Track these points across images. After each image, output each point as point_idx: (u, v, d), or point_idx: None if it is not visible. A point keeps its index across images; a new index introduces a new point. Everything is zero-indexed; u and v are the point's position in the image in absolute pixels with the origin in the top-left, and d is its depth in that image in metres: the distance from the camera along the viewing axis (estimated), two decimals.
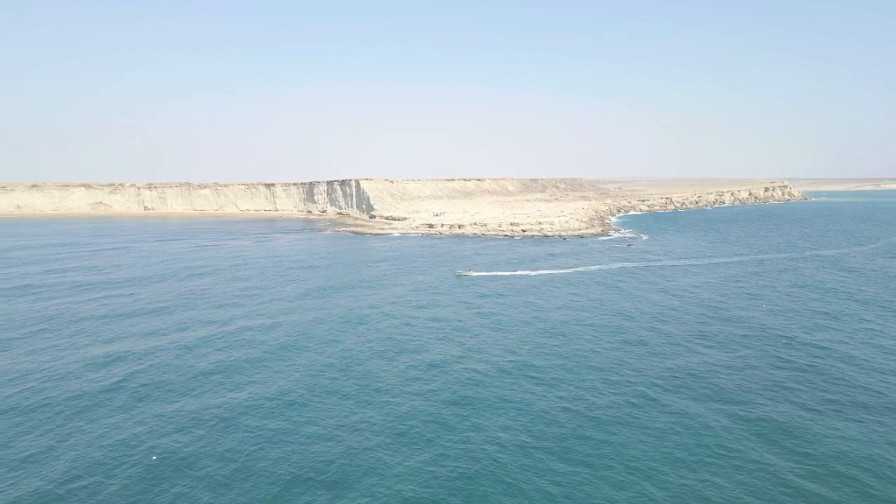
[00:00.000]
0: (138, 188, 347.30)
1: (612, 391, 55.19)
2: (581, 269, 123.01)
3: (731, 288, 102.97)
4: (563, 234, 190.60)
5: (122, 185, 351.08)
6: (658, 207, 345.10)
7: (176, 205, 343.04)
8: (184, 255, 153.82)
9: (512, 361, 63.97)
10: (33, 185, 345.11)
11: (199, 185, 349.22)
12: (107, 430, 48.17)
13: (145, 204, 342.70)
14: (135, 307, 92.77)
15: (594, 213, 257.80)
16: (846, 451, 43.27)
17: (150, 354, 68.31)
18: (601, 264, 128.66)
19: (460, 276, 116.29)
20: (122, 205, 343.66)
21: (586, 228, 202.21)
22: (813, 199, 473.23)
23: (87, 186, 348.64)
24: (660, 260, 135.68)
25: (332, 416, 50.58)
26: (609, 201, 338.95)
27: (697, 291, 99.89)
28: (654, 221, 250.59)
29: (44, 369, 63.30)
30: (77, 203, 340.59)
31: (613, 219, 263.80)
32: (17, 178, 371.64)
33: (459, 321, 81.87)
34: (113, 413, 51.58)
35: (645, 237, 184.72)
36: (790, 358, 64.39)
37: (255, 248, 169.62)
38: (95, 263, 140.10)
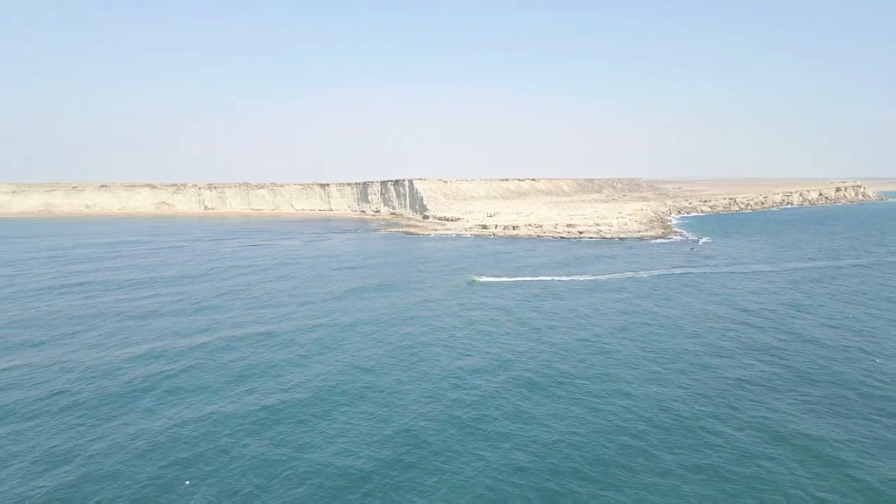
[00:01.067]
0: (199, 188, 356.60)
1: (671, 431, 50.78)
2: (641, 273, 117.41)
3: (808, 298, 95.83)
4: (622, 235, 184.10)
5: (184, 185, 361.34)
6: (721, 208, 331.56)
7: (234, 204, 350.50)
8: (234, 255, 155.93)
9: (553, 374, 60.26)
10: (102, 186, 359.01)
11: (257, 185, 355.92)
12: (133, 431, 47.22)
13: (205, 203, 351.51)
14: (176, 306, 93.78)
15: (653, 215, 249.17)
16: None
17: (184, 354, 68.35)
18: (663, 269, 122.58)
19: (471, 282, 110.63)
20: (183, 204, 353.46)
21: (646, 230, 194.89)
22: (891, 199, 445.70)
23: (152, 187, 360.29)
24: (726, 265, 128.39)
25: (355, 427, 48.19)
26: (669, 202, 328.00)
27: (773, 304, 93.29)
28: (718, 223, 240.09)
29: (77, 367, 63.88)
30: (142, 203, 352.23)
31: (674, 220, 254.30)
32: (88, 178, 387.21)
33: (514, 326, 78.47)
34: (142, 414, 50.97)
35: (709, 240, 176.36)
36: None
37: (307, 248, 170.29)
38: (149, 262, 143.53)
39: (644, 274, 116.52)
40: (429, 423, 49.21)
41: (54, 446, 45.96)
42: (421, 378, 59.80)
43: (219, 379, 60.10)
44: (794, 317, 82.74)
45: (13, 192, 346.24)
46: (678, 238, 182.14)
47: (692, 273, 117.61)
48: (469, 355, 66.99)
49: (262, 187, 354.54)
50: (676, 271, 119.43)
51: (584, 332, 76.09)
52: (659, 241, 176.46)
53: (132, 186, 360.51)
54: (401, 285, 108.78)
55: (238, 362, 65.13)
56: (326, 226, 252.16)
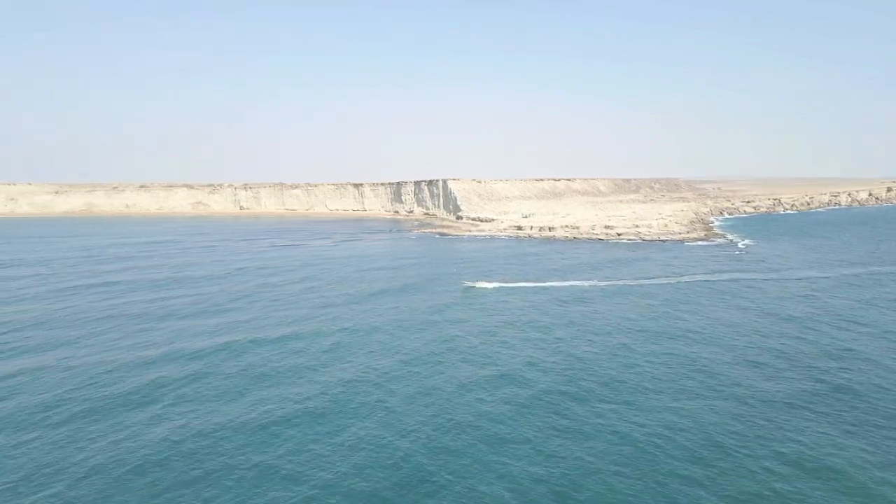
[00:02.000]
0: (235, 188, 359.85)
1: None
2: (683, 278, 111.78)
3: (864, 307, 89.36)
4: (662, 238, 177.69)
5: (220, 185, 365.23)
6: (765, 209, 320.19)
7: (269, 204, 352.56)
8: (263, 255, 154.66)
9: (575, 389, 56.02)
10: (141, 186, 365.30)
11: (291, 186, 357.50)
12: (134, 445, 44.65)
13: (241, 203, 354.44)
14: (196, 308, 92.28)
15: (694, 216, 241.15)
16: None
17: (195, 359, 65.87)
18: (706, 274, 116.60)
19: (468, 287, 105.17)
20: (219, 204, 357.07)
21: (687, 232, 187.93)
22: None
23: (189, 187, 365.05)
24: (775, 270, 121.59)
25: (368, 446, 44.83)
26: (709, 202, 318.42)
27: (826, 315, 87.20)
28: (763, 225, 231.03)
29: (85, 371, 62.34)
30: (179, 202, 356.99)
31: (716, 221, 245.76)
32: (127, 178, 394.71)
33: (542, 335, 74.38)
34: (144, 426, 48.10)
35: (755, 243, 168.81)
36: None
37: (337, 249, 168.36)
38: (178, 261, 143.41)
39: (686, 279, 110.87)
40: (445, 442, 45.65)
41: (48, 457, 43.82)
42: (438, 390, 56.22)
43: (228, 387, 57.44)
44: (849, 329, 76.74)
45: (56, 193, 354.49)
46: (721, 240, 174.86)
47: (739, 279, 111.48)
48: (494, 365, 63.03)
49: (296, 187, 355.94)
50: (722, 276, 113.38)
51: (615, 341, 71.51)
52: (701, 243, 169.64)
53: (170, 186, 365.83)
54: (429, 288, 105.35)
55: (250, 370, 62.43)
56: (359, 226, 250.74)
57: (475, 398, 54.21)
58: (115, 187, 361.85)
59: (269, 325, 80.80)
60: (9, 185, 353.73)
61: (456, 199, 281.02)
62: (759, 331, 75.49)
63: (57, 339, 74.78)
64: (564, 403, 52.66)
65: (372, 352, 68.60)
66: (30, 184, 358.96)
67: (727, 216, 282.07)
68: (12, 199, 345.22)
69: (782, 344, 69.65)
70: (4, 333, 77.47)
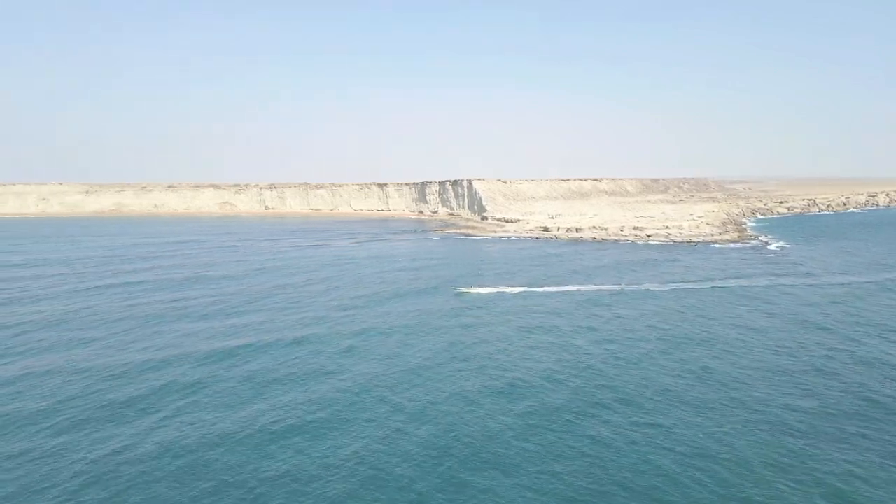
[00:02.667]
0: (260, 188, 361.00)
1: None
2: (718, 283, 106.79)
3: None
4: (694, 239, 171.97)
5: (246, 185, 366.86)
6: (799, 210, 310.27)
7: (294, 204, 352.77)
8: (284, 255, 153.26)
9: (591, 402, 52.23)
10: (169, 186, 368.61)
11: (316, 185, 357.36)
12: (132, 455, 42.23)
13: (266, 203, 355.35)
14: (212, 308, 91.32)
15: (726, 217, 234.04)
16: None
17: (206, 362, 64.35)
18: (743, 279, 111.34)
19: (461, 293, 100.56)
20: (245, 204, 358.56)
21: (720, 234, 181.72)
22: None
23: (216, 187, 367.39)
24: (816, 275, 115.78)
25: (379, 463, 41.76)
26: (741, 203, 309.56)
27: (875, 327, 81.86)
28: (799, 226, 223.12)
29: (91, 373, 61.10)
30: (206, 202, 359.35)
31: (749, 222, 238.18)
32: (156, 178, 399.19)
33: (567, 344, 70.71)
34: (145, 434, 45.83)
35: (791, 245, 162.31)
36: None
37: (360, 249, 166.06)
38: (200, 261, 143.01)
39: (721, 284, 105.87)
40: (455, 467, 42.43)
41: (44, 465, 41.93)
42: (453, 399, 53.08)
43: (232, 396, 55.13)
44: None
45: (86, 192, 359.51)
46: (755, 242, 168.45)
47: (776, 284, 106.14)
48: (508, 376, 59.71)
49: (321, 187, 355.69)
50: (758, 282, 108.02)
51: (644, 349, 67.63)
52: (734, 245, 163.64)
53: (197, 186, 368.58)
54: (448, 292, 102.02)
55: (257, 376, 60.18)
56: (383, 226, 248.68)
57: (490, 413, 50.94)
58: (144, 187, 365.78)
59: (282, 329, 78.60)
60: (41, 185, 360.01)
61: (481, 199, 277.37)
62: (801, 342, 70.60)
63: (69, 341, 73.45)
64: (584, 422, 49.10)
65: (384, 359, 65.66)
66: (61, 184, 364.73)
67: (760, 217, 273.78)
68: (44, 199, 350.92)
69: (826, 357, 64.73)
70: (18, 335, 76.44)
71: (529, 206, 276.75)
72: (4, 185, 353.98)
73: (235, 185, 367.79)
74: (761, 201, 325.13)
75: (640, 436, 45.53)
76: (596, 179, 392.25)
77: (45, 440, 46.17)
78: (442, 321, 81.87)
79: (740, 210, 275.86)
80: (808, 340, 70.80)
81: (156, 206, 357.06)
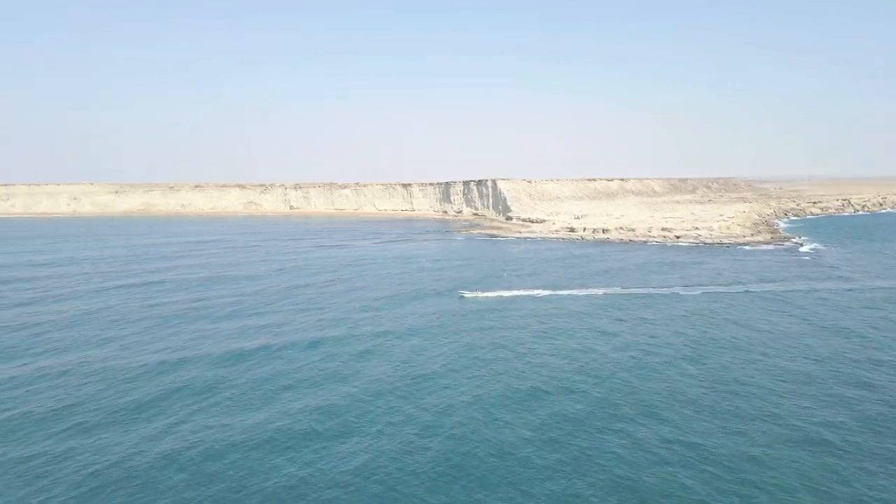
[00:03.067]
0: (285, 188, 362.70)
1: None
2: (751, 287, 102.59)
3: None
4: (725, 241, 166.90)
5: (271, 185, 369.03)
6: (833, 210, 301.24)
7: (319, 204, 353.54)
8: (307, 255, 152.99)
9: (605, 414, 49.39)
10: (196, 186, 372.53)
11: (341, 186, 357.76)
12: (139, 463, 40.77)
13: (291, 203, 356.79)
14: (230, 309, 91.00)
15: (758, 217, 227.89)
16: None
17: (219, 365, 63.24)
18: (778, 283, 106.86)
19: (481, 296, 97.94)
20: (270, 204, 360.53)
21: (751, 235, 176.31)
22: None
23: (241, 187, 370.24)
24: (851, 279, 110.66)
25: (392, 476, 39.62)
26: (773, 203, 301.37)
27: None
28: (833, 227, 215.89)
29: (101, 375, 60.26)
30: (232, 202, 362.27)
31: (781, 223, 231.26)
32: (183, 178, 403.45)
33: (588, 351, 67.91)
34: (150, 439, 44.35)
35: (826, 247, 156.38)
36: None
37: (383, 250, 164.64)
38: (223, 261, 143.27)
39: (753, 287, 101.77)
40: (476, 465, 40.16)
41: (48, 469, 40.91)
42: (469, 409, 50.80)
43: (244, 399, 53.98)
44: None
45: (116, 193, 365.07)
46: (789, 244, 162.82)
47: (813, 288, 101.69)
48: (531, 382, 57.28)
49: (345, 187, 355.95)
50: (794, 286, 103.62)
51: (671, 358, 64.56)
52: (767, 247, 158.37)
53: (223, 186, 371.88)
54: (470, 293, 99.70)
55: (271, 380, 58.91)
56: (407, 226, 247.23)
57: (508, 425, 48.59)
58: (171, 187, 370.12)
59: (299, 331, 77.32)
60: (72, 185, 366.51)
61: (505, 199, 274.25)
62: (839, 351, 66.87)
63: (87, 342, 72.99)
64: (608, 437, 46.47)
65: (400, 364, 63.68)
66: (91, 184, 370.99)
67: (793, 218, 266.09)
68: (75, 199, 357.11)
69: (868, 368, 61.05)
70: (38, 335, 76.23)
71: (555, 207, 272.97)
72: (38, 185, 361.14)
73: (261, 185, 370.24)
74: (794, 201, 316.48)
75: (669, 453, 42.78)
76: (622, 179, 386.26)
77: (53, 444, 45.10)
78: (461, 324, 79.70)
79: (772, 211, 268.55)
80: (848, 349, 67.03)
81: (183, 205, 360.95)
